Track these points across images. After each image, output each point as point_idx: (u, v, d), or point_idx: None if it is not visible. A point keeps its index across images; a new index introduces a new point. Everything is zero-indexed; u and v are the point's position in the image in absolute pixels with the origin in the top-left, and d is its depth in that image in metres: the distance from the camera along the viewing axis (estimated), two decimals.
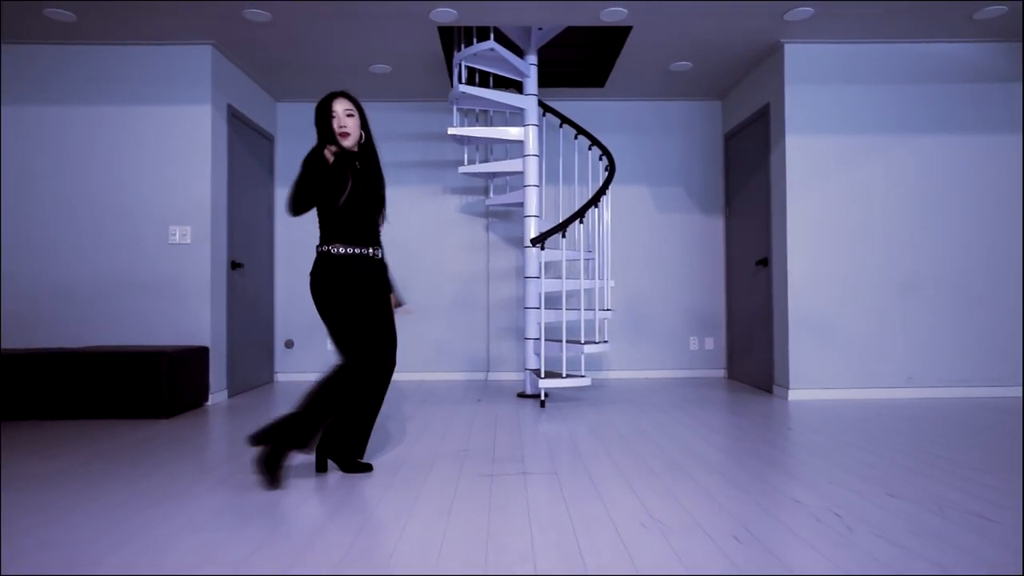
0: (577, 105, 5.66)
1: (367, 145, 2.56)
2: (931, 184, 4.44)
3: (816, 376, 4.38)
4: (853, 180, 4.43)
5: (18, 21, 3.97)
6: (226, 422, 3.69)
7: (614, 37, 4.66)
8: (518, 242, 5.60)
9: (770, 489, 2.31)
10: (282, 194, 5.57)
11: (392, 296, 2.68)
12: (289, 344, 5.55)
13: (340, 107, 2.45)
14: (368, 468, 2.60)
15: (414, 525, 1.97)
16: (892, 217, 4.43)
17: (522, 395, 4.62)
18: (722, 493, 2.27)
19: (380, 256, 2.57)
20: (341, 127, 2.43)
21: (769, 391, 4.70)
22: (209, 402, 4.30)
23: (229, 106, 4.61)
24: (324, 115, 2.44)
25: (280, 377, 5.56)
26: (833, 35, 4.33)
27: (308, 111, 5.61)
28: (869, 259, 4.42)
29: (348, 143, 2.45)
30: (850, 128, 4.44)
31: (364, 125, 2.53)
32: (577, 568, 1.64)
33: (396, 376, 5.56)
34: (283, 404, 4.32)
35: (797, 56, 4.43)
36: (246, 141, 4.95)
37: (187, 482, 2.45)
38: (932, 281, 4.43)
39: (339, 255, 2.45)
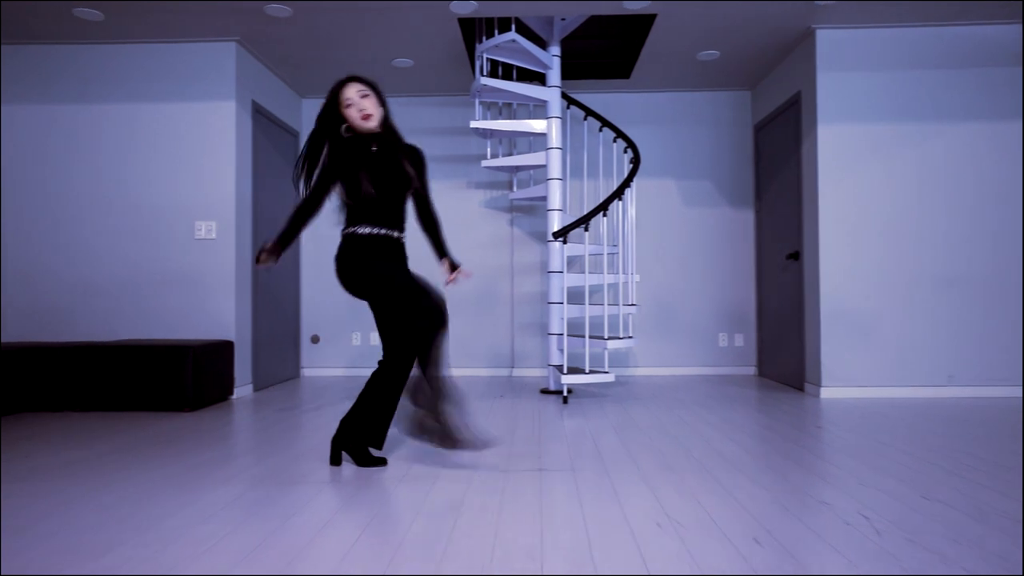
0: (602, 97, 5.56)
1: (385, 123, 2.51)
2: (971, 174, 4.23)
3: (849, 374, 4.22)
4: (888, 170, 4.25)
5: (48, 22, 4.04)
6: (249, 415, 3.71)
7: (639, 26, 4.55)
8: (543, 237, 5.53)
9: (795, 490, 2.21)
10: None
11: (447, 260, 2.68)
12: (315, 339, 5.58)
13: (353, 91, 2.41)
14: (383, 462, 2.57)
15: (422, 521, 1.93)
16: (930, 208, 4.24)
17: (545, 391, 4.55)
18: (744, 493, 2.18)
19: (399, 238, 2.53)
20: (361, 110, 2.40)
21: (800, 389, 4.55)
22: (234, 396, 4.34)
23: (254, 102, 4.64)
24: (333, 104, 2.42)
25: (306, 372, 5.59)
26: (866, 19, 4.16)
27: None
28: (906, 252, 4.24)
29: (372, 124, 2.43)
30: (885, 116, 4.26)
31: (382, 102, 2.49)
32: (586, 568, 1.58)
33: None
34: (307, 398, 4.33)
35: (829, 42, 4.27)
36: (271, 137, 4.98)
37: (201, 473, 2.45)
38: (973, 274, 4.23)
39: (365, 235, 2.44)
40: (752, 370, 5.48)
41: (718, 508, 2.02)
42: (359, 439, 2.54)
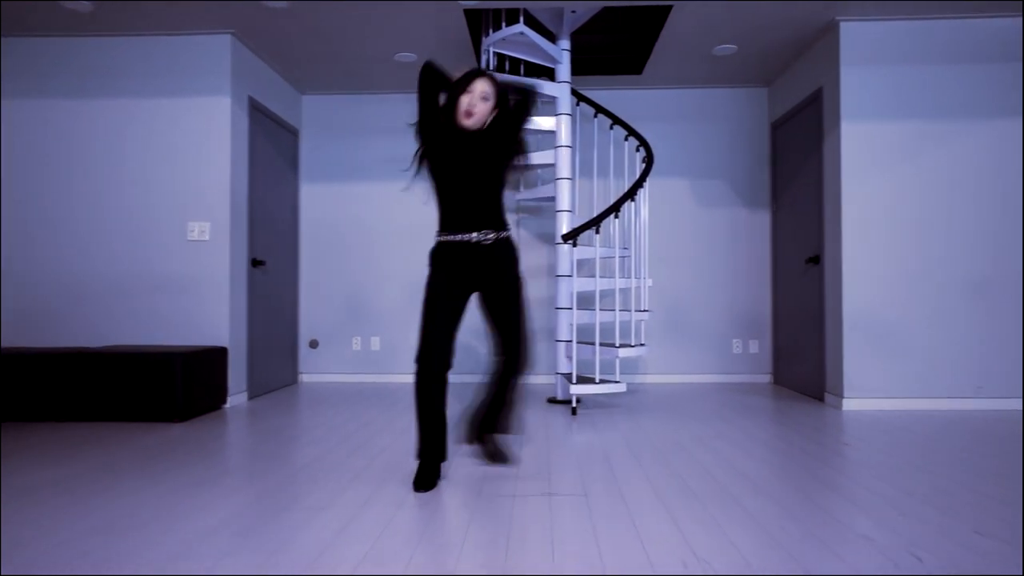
0: (612, 94, 5.36)
1: (495, 130, 2.35)
2: (1003, 174, 4.02)
3: (873, 384, 4.01)
4: (915, 170, 4.04)
5: (35, 13, 3.87)
6: (241, 427, 3.52)
7: (652, 19, 4.35)
8: (550, 239, 5.33)
9: (831, 520, 2.01)
10: (307, 189, 5.41)
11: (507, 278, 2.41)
12: (314, 344, 5.40)
13: (480, 86, 2.28)
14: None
15: (421, 556, 1.73)
16: (959, 211, 4.03)
17: (552, 400, 4.36)
18: (775, 524, 1.98)
19: (485, 239, 2.31)
20: (470, 105, 2.26)
21: (820, 399, 4.34)
22: (227, 404, 4.16)
23: (250, 98, 4.45)
24: (459, 86, 2.27)
25: (305, 378, 5.41)
26: (894, 11, 3.94)
27: (334, 104, 5.44)
28: (933, 256, 4.03)
29: (468, 123, 2.28)
30: (912, 113, 4.05)
31: (504, 112, 2.35)
32: None
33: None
34: (305, 406, 4.15)
35: (854, 35, 4.05)
36: (269, 135, 4.79)
37: (185, 495, 2.27)
38: (1004, 280, 4.01)
39: (436, 244, 2.38)
40: (767, 378, 5.27)
41: (749, 544, 1.82)
42: (487, 423, 2.54)
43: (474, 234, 2.29)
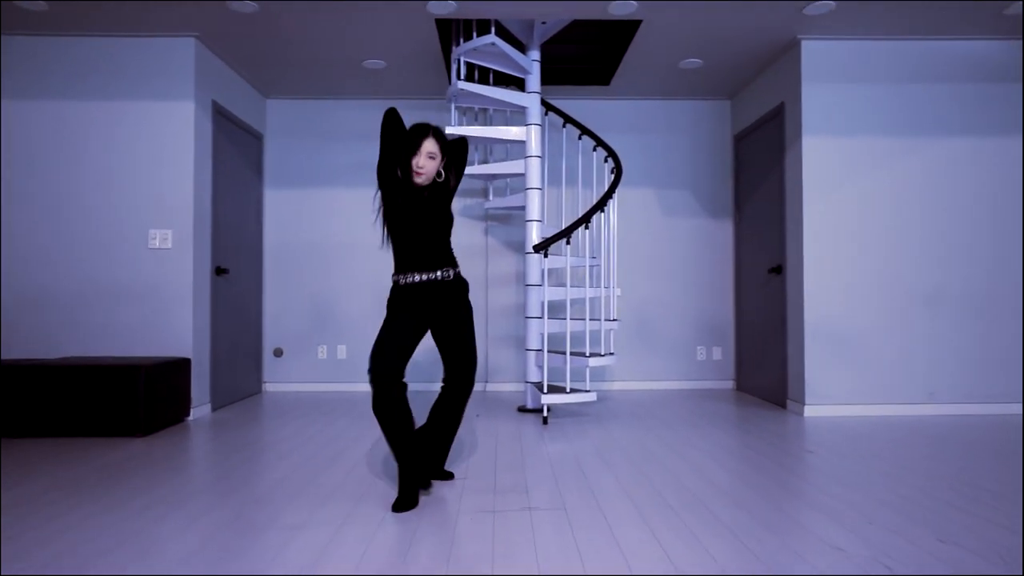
0: (580, 104, 5.42)
1: (444, 184, 2.54)
2: (957, 189, 4.21)
3: (833, 391, 4.15)
4: (873, 184, 4.20)
5: None
6: (207, 441, 3.43)
7: (621, 32, 4.41)
8: (518, 247, 5.35)
9: (804, 532, 2.07)
10: (272, 195, 5.31)
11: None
12: (278, 353, 5.30)
13: (427, 146, 2.43)
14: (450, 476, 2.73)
15: None
16: (915, 224, 4.20)
17: (523, 409, 4.37)
18: (751, 536, 2.03)
19: (447, 276, 2.50)
20: (419, 167, 2.42)
21: (782, 406, 4.46)
22: (191, 417, 4.05)
23: (214, 102, 4.35)
24: (409, 148, 2.41)
25: (269, 387, 5.30)
26: (853, 31, 4.09)
27: (299, 108, 5.35)
28: (890, 268, 4.19)
29: (419, 180, 2.45)
30: (870, 129, 4.21)
31: (451, 164, 2.54)
32: None
33: None
34: (271, 417, 4.07)
35: (815, 53, 4.19)
36: (233, 139, 4.69)
37: (154, 516, 2.20)
38: (956, 292, 4.20)
39: (396, 285, 2.49)
40: (730, 384, 5.40)
41: (729, 557, 1.87)
42: (436, 460, 2.63)
43: (437, 272, 2.48)
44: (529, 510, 2.30)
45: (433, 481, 2.64)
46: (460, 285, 2.57)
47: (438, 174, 2.50)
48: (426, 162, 2.43)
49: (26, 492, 2.51)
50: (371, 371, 2.35)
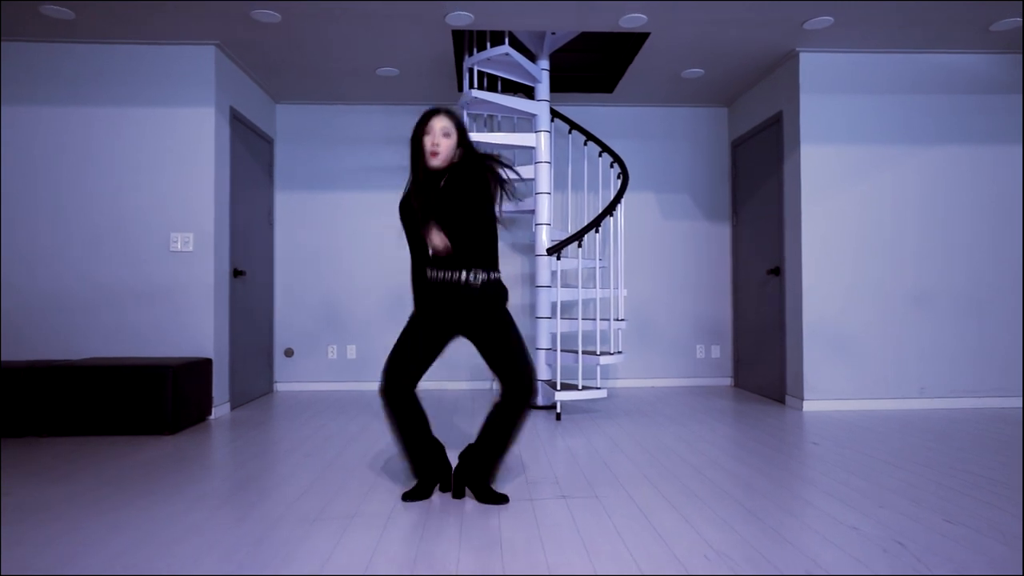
0: (584, 110, 5.58)
1: (462, 163, 2.36)
2: (948, 195, 4.44)
3: (830, 387, 4.36)
4: (868, 191, 4.42)
5: (14, 18, 3.77)
6: (232, 439, 3.54)
7: (627, 42, 4.58)
8: (524, 249, 5.51)
9: (822, 515, 2.25)
10: (282, 198, 5.41)
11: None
12: (289, 353, 5.40)
13: (438, 124, 2.33)
14: (504, 499, 2.43)
15: (467, 557, 1.87)
16: (907, 228, 4.43)
17: (534, 407, 4.53)
18: (775, 520, 2.20)
19: (479, 280, 2.35)
20: (434, 145, 2.31)
21: (781, 401, 4.67)
22: (212, 416, 4.15)
23: (231, 108, 4.45)
24: (418, 134, 2.34)
25: (280, 387, 5.40)
26: (849, 44, 4.30)
27: (308, 113, 5.46)
28: (885, 270, 4.41)
29: (436, 163, 2.32)
30: (864, 138, 4.42)
31: (463, 142, 2.39)
32: None
33: None
34: (286, 416, 4.18)
35: (812, 65, 4.40)
36: (247, 144, 4.79)
37: (203, 517, 2.32)
38: (945, 292, 4.43)
39: (428, 279, 2.38)
40: (728, 381, 5.60)
41: (758, 538, 2.04)
42: (480, 473, 2.43)
43: (463, 273, 2.34)
44: (564, 498, 2.45)
45: (467, 491, 2.50)
46: (491, 291, 2.37)
47: (453, 170, 2.34)
48: (441, 139, 2.31)
49: (77, 489, 2.61)
50: (382, 388, 2.34)
